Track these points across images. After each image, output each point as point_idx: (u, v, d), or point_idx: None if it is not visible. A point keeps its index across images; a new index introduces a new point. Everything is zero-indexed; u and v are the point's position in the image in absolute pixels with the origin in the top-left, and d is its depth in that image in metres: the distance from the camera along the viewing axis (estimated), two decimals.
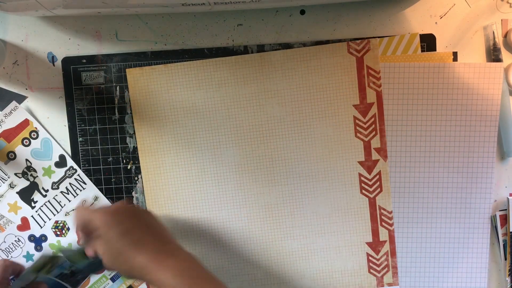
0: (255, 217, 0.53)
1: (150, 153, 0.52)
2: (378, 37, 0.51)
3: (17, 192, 0.53)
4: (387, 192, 0.52)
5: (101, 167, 0.53)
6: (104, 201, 0.53)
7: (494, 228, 0.53)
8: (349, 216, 0.53)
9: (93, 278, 0.54)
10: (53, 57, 0.52)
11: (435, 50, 0.52)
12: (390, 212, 0.53)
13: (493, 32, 0.51)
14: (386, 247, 0.53)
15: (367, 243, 0.53)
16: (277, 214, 0.53)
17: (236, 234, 0.53)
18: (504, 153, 0.52)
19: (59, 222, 0.53)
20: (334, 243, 0.53)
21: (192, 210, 0.53)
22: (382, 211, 0.53)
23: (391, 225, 0.53)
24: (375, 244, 0.53)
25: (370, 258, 0.53)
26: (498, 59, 0.51)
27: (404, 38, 0.51)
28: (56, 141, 0.53)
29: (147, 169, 0.53)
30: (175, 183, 0.53)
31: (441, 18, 0.52)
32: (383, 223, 0.53)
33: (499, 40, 0.51)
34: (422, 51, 0.51)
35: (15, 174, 0.53)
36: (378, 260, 0.53)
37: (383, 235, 0.53)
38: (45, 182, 0.53)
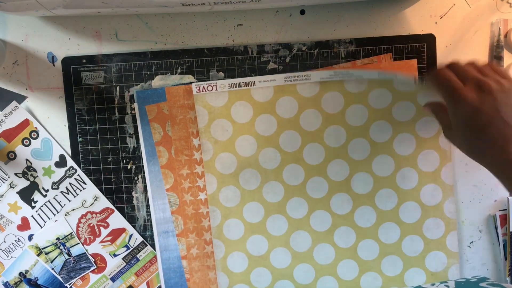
0: None
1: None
2: (379, 37, 0.51)
3: (17, 192, 0.53)
4: None
5: (101, 167, 0.53)
6: (104, 201, 0.53)
7: (494, 227, 0.53)
8: None
9: (93, 278, 0.54)
10: (53, 57, 0.52)
11: (435, 50, 0.51)
12: None
13: (499, 29, 0.51)
14: None
15: None
16: None
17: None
18: None
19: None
20: None
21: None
22: None
23: None
24: None
25: None
26: (499, 57, 0.51)
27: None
28: (56, 141, 0.53)
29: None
30: None
31: (441, 18, 0.52)
32: None
33: (501, 39, 0.51)
34: (422, 51, 0.51)
35: (15, 174, 0.53)
36: None
37: None
38: (45, 182, 0.53)
